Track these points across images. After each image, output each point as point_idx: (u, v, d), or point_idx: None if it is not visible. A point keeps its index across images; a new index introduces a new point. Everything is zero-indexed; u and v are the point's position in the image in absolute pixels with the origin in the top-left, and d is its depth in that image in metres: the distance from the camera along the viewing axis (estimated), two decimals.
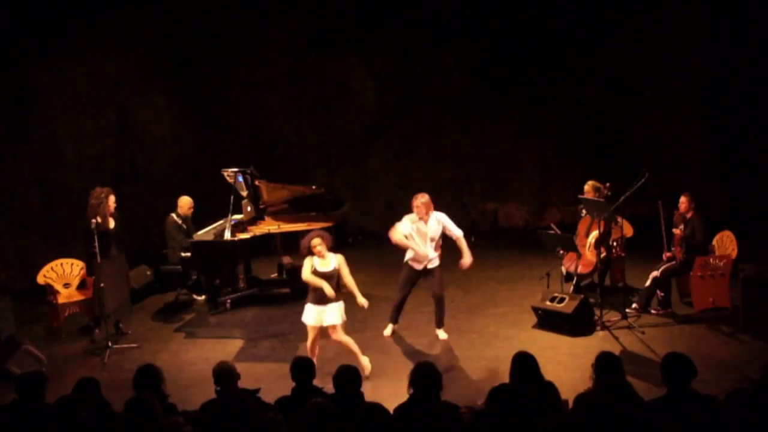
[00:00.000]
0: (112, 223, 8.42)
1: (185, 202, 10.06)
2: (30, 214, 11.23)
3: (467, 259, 7.96)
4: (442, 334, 8.21)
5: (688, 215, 8.40)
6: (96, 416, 4.65)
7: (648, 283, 8.53)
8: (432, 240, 7.96)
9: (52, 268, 9.12)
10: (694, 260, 8.30)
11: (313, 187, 10.13)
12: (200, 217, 10.17)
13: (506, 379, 4.93)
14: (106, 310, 8.30)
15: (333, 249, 7.21)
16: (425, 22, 12.34)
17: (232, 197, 9.44)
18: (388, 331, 8.36)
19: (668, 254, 8.53)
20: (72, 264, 9.16)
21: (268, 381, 6.80)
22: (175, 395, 5.81)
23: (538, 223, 12.44)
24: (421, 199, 7.87)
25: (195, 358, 8.02)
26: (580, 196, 8.95)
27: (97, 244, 8.03)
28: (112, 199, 8.41)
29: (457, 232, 7.99)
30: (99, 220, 8.12)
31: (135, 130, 12.14)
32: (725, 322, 8.06)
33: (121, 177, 11.95)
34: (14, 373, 7.00)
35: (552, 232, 8.98)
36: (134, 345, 8.44)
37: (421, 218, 7.88)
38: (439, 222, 7.97)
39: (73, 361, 8.18)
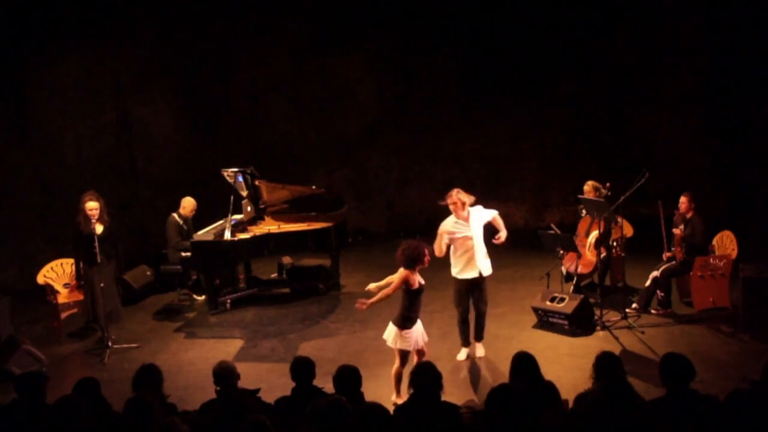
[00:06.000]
0: (99, 228, 8.06)
1: (188, 203, 10.03)
2: (30, 214, 11.24)
3: (504, 233, 7.50)
4: (480, 349, 7.59)
5: (688, 215, 8.39)
6: (96, 416, 4.65)
7: (648, 283, 8.52)
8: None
9: (52, 268, 9.12)
10: (694, 260, 8.30)
11: (313, 187, 10.12)
12: (200, 217, 10.18)
13: (506, 379, 4.93)
14: (92, 317, 8.37)
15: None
16: (425, 22, 12.34)
17: (232, 197, 9.44)
18: (462, 355, 7.58)
19: (668, 254, 8.52)
20: (72, 264, 9.14)
21: (268, 381, 6.81)
22: (175, 395, 5.82)
23: (538, 223, 12.43)
24: (453, 197, 7.16)
25: (195, 358, 8.03)
26: (580, 196, 8.94)
27: (77, 249, 8.19)
28: (88, 205, 8.07)
29: (492, 213, 7.45)
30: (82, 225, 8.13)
31: (135, 130, 12.14)
32: (725, 322, 8.05)
33: (121, 177, 11.97)
34: (14, 373, 7.00)
35: (552, 232, 8.98)
36: (134, 345, 8.44)
37: (459, 218, 7.22)
38: (480, 219, 7.32)
39: (73, 361, 8.20)
